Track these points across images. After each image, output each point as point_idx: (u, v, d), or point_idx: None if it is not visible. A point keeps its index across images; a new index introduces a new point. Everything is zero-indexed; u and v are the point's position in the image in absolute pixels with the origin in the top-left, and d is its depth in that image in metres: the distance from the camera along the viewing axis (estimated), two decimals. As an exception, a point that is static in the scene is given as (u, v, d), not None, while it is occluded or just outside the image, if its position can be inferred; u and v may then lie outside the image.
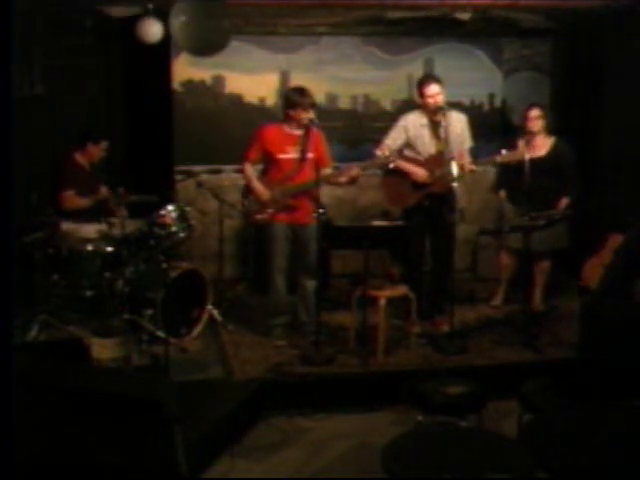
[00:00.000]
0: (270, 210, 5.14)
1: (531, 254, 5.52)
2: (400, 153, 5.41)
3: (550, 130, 5.69)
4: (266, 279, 5.35)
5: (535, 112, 5.63)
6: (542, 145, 5.67)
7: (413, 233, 5.40)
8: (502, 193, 5.92)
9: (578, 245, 5.89)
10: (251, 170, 5.24)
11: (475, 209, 6.86)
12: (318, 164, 5.09)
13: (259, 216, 5.18)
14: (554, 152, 5.66)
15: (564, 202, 5.63)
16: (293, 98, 5.09)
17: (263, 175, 5.27)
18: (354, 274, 5.85)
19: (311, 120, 5.04)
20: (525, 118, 5.68)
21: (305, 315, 5.30)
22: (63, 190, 5.66)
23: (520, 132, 5.79)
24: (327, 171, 5.20)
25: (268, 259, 5.26)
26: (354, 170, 5.14)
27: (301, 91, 5.14)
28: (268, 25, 6.48)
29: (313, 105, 5.11)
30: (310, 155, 5.10)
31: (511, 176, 5.64)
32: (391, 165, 5.18)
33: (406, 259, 5.63)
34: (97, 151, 5.83)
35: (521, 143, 5.62)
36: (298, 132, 5.12)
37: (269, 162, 5.20)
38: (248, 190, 5.26)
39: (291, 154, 5.12)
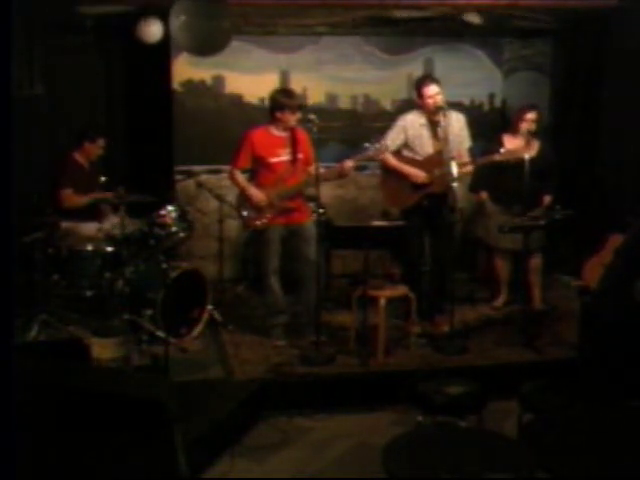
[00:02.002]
0: (268, 215, 5.10)
1: (522, 253, 5.52)
2: (398, 154, 5.41)
3: (539, 131, 5.72)
4: (261, 280, 5.34)
5: (533, 115, 5.64)
6: (531, 146, 5.67)
7: (413, 233, 5.40)
8: (484, 194, 5.91)
9: (578, 245, 5.90)
10: (242, 177, 5.20)
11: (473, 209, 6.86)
12: (307, 163, 5.11)
13: (258, 222, 5.12)
14: (541, 153, 5.69)
15: (547, 200, 5.69)
16: (281, 100, 5.03)
17: (252, 180, 5.22)
18: (354, 274, 5.84)
19: (311, 120, 5.01)
20: (521, 119, 5.67)
21: (305, 315, 5.29)
22: (61, 189, 5.67)
23: (508, 129, 5.79)
24: (312, 169, 5.14)
25: (262, 261, 5.25)
26: (346, 164, 5.07)
27: (288, 93, 5.12)
28: (268, 25, 6.47)
29: (300, 107, 5.09)
30: (300, 156, 5.08)
31: (493, 176, 5.65)
32: (381, 155, 5.15)
33: (406, 259, 5.63)
34: (94, 149, 5.83)
35: (517, 141, 5.63)
36: (285, 134, 5.09)
37: (260, 166, 5.13)
38: (243, 197, 5.21)
39: (283, 157, 5.09)
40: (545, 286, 6.01)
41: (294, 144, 5.08)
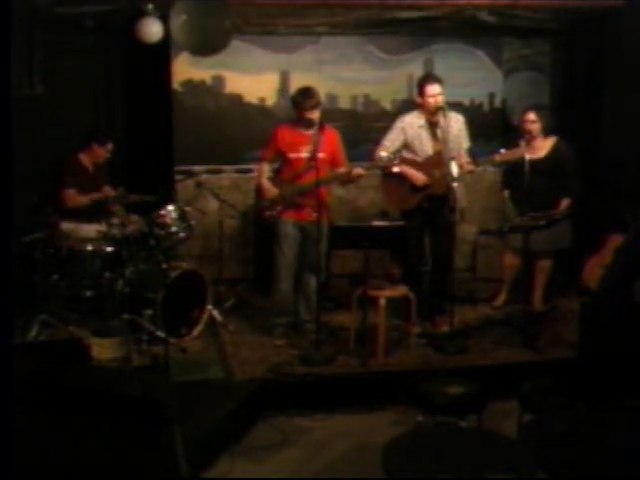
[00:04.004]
0: (278, 207, 5.18)
1: (533, 254, 5.54)
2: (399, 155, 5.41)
3: (547, 131, 5.69)
4: (272, 278, 5.35)
5: (531, 116, 5.62)
6: (541, 147, 5.66)
7: (413, 233, 5.39)
8: (505, 193, 5.93)
9: (578, 245, 5.89)
10: (265, 168, 5.32)
11: (475, 209, 6.86)
12: (333, 164, 5.16)
13: (268, 213, 5.24)
14: (554, 153, 5.65)
15: (565, 203, 5.63)
16: (296, 99, 5.14)
17: (277, 174, 5.33)
18: (354, 274, 5.84)
19: (311, 120, 5.04)
20: (522, 121, 5.67)
21: (306, 313, 5.30)
22: (64, 189, 5.66)
23: (520, 133, 5.79)
24: (341, 171, 5.21)
25: (275, 257, 5.27)
26: (355, 171, 5.12)
27: (304, 92, 5.15)
28: (268, 25, 6.47)
29: (316, 105, 5.10)
30: (321, 155, 5.03)
31: (513, 176, 5.65)
32: (395, 169, 5.16)
33: (406, 259, 5.63)
34: (102, 152, 5.83)
35: (522, 143, 5.62)
36: (311, 132, 5.10)
37: (282, 161, 5.27)
38: (259, 189, 5.34)
39: (302, 153, 5.14)
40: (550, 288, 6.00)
41: (317, 142, 5.02)
